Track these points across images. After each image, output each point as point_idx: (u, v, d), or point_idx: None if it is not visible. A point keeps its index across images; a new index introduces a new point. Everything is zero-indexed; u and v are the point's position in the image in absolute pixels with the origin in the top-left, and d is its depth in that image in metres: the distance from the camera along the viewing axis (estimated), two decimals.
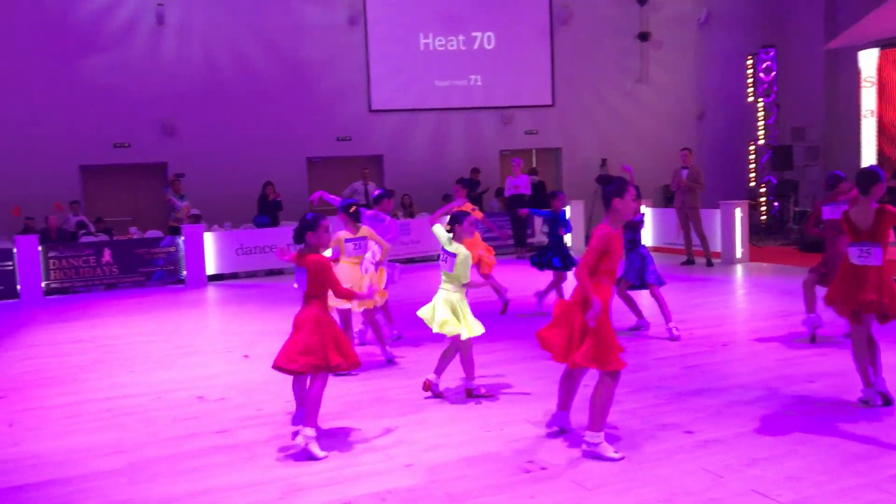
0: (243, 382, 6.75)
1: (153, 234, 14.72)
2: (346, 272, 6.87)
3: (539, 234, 16.92)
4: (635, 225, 8.09)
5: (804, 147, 19.12)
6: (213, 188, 16.32)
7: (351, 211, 7.05)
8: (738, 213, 13.83)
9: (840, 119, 19.02)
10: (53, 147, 15.80)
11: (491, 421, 5.38)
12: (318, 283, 5.01)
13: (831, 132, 19.28)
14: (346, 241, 7.05)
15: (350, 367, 5.03)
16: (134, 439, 5.33)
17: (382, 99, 18.18)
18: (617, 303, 7.99)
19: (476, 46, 18.78)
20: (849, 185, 6.79)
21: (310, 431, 4.82)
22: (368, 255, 7.36)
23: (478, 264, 9.20)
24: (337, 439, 5.13)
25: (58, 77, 15.90)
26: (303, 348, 4.86)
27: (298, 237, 5.09)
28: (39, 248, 13.10)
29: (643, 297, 8.44)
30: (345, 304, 6.82)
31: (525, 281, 12.49)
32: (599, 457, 4.52)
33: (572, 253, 9.59)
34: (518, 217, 16.03)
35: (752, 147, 19.48)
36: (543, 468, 4.49)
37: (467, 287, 5.95)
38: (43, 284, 13.08)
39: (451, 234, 5.91)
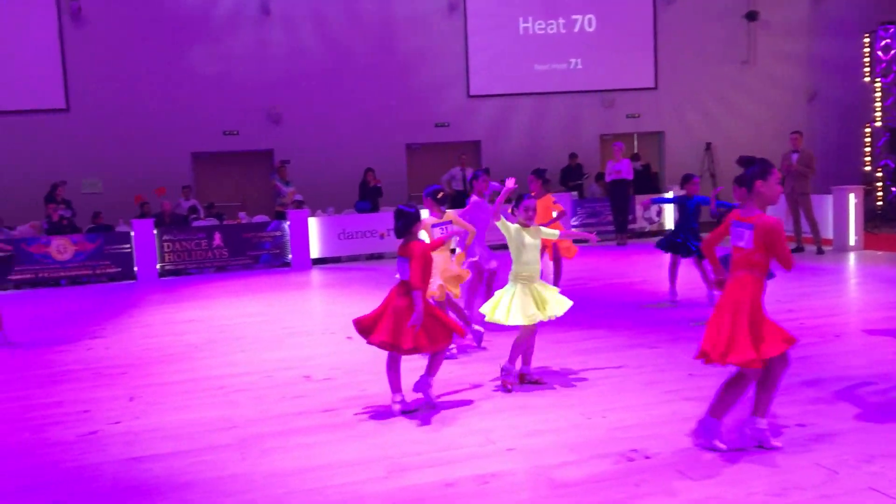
0: (347, 363, 6.92)
1: (260, 218, 15.23)
2: (435, 260, 6.94)
3: (640, 220, 16.61)
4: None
5: None
6: (317, 174, 16.73)
7: (438, 197, 7.12)
8: (852, 199, 13.19)
9: None
10: (167, 135, 16.52)
11: (593, 408, 5.34)
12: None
13: None
14: (433, 226, 7.10)
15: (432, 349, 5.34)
16: (245, 416, 5.55)
17: (481, 84, 18.17)
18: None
19: (576, 29, 18.51)
20: None
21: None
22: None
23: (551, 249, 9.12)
24: (437, 422, 5.21)
25: (171, 68, 16.59)
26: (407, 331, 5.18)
27: (402, 232, 5.34)
28: (154, 232, 13.76)
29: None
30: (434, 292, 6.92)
31: (624, 267, 12.32)
32: (764, 441, 4.39)
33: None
34: (619, 202, 15.78)
35: (867, 130, 18.48)
36: (647, 457, 4.44)
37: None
38: (158, 266, 13.75)
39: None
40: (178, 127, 16.64)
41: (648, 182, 17.52)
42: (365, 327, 5.42)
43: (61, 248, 13.43)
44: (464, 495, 4.04)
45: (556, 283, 9.27)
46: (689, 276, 9.42)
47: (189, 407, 5.83)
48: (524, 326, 5.75)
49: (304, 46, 17.26)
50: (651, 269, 12.07)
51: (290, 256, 14.40)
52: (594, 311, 8.76)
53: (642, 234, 16.71)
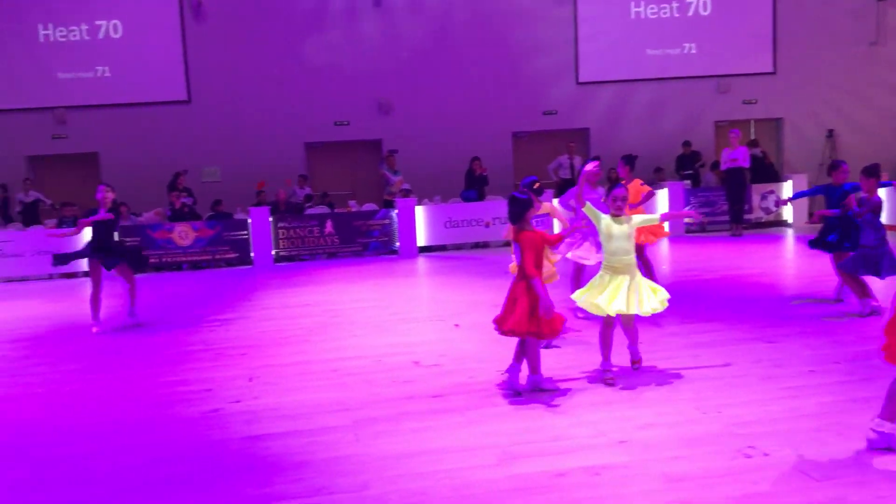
0: (455, 350, 6.98)
1: (369, 207, 15.53)
2: None
3: (757, 209, 16.00)
4: (877, 206, 7.31)
5: None
6: (424, 163, 16.91)
7: (535, 188, 7.09)
8: None
9: None
10: (282, 126, 17.06)
11: (707, 402, 5.20)
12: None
13: None
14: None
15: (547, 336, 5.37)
16: (358, 399, 5.68)
17: (591, 71, 17.90)
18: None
19: (690, 13, 17.96)
20: None
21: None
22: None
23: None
24: (546, 412, 5.19)
25: (286, 60, 17.10)
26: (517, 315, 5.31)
27: (515, 218, 5.36)
28: (270, 220, 14.24)
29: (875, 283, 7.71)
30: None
31: (740, 259, 11.91)
32: (889, 446, 4.21)
33: (795, 232, 8.71)
34: (734, 191, 15.25)
35: None
36: (766, 454, 4.29)
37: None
38: (273, 252, 14.23)
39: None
40: (292, 118, 17.15)
41: (765, 171, 16.83)
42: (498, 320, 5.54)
43: (183, 234, 14.08)
44: (575, 486, 4.02)
45: (647, 275, 9.05)
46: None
47: (304, 388, 6.02)
48: (604, 318, 5.69)
49: (413, 36, 17.43)
50: (768, 261, 11.63)
51: (397, 244, 14.62)
52: (708, 303, 8.51)
53: (759, 225, 16.10)
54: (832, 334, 6.90)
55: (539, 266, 5.39)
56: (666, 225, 9.08)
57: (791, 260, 12.47)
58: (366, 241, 14.65)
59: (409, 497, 3.98)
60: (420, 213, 14.78)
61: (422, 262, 13.66)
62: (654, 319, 6.68)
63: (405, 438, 4.82)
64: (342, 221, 14.61)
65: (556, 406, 5.28)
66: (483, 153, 16.35)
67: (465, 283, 10.95)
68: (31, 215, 15.43)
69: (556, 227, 7.29)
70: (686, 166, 16.99)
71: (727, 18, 17.88)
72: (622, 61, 17.86)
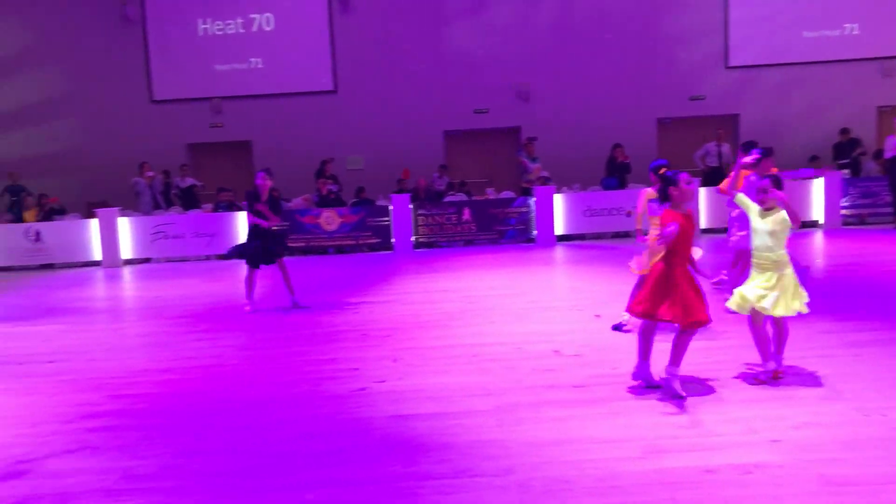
0: (597, 341, 6.90)
1: (507, 194, 15.56)
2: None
3: None
4: None
5: None
6: (563, 150, 16.76)
7: (660, 173, 6.96)
8: None
9: None
10: (423, 114, 17.35)
11: (870, 404, 4.90)
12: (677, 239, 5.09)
13: None
14: (650, 201, 7.07)
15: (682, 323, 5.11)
16: (500, 385, 5.72)
17: (742, 55, 17.16)
18: None
19: None
20: None
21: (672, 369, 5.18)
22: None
23: None
24: (693, 407, 5.04)
25: (427, 50, 17.37)
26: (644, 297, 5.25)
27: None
28: (410, 207, 14.53)
29: None
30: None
31: None
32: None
33: None
34: None
35: None
36: None
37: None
38: (412, 238, 14.52)
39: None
40: (433, 106, 17.41)
41: None
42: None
43: (329, 219, 14.61)
44: (725, 483, 3.89)
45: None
46: None
47: (447, 372, 6.12)
48: (750, 314, 5.44)
49: (553, 22, 17.28)
50: None
51: (534, 232, 14.58)
52: (867, 300, 8.01)
53: None
54: None
55: (684, 247, 5.23)
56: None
57: None
58: (503, 228, 14.69)
59: (553, 484, 3.98)
60: (558, 200, 14.67)
61: (559, 251, 13.56)
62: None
63: (547, 426, 4.82)
64: (479, 209, 14.72)
65: (704, 402, 5.12)
66: (625, 140, 16.02)
67: (604, 273, 10.79)
68: (189, 199, 16.43)
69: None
70: (844, 154, 15.99)
71: None
72: (776, 44, 17.02)
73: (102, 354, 7.38)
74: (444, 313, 8.44)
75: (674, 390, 5.18)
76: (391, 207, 14.58)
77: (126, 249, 14.59)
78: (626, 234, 14.70)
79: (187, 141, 18.03)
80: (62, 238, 14.66)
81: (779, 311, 5.33)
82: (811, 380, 5.47)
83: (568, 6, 17.24)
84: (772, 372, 5.46)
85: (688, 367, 5.50)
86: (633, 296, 7.28)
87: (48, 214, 15.47)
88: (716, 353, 6.24)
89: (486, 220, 14.66)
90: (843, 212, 14.58)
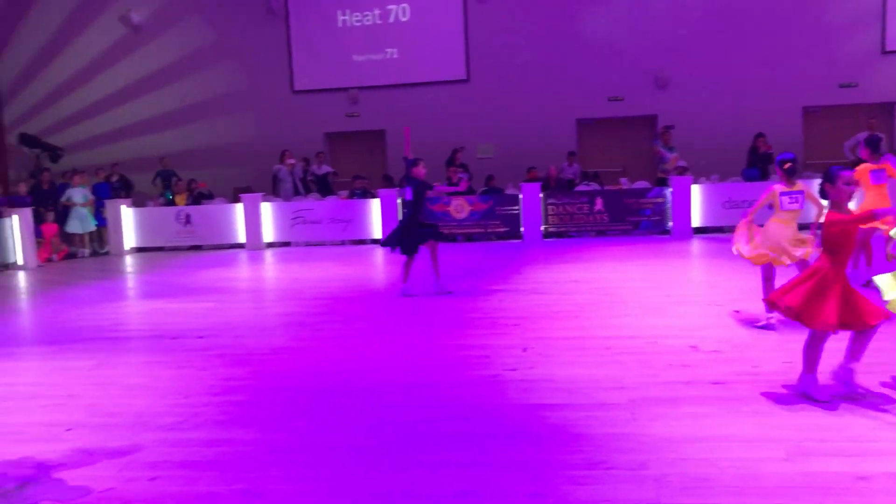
0: (735, 337, 6.66)
1: (641, 184, 15.21)
2: (776, 229, 6.80)
3: None
4: None
5: None
6: (702, 140, 16.21)
7: (786, 167, 6.72)
8: None
9: None
10: (555, 102, 17.22)
11: None
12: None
13: None
14: (781, 194, 6.79)
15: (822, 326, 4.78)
16: (633, 378, 5.62)
17: None
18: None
19: None
20: None
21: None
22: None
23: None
24: (843, 409, 4.78)
25: (561, 37, 17.19)
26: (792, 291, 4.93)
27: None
28: (540, 196, 14.46)
29: None
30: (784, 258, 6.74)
31: None
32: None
33: None
34: None
35: None
36: None
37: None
38: (542, 228, 14.45)
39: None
40: (566, 94, 17.23)
41: None
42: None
43: (459, 207, 14.75)
44: (879, 492, 3.67)
45: (866, 263, 8.16)
46: None
47: (578, 363, 6.07)
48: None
49: (693, 6, 16.69)
50: None
51: (670, 224, 14.19)
52: None
53: None
54: None
55: (843, 248, 4.93)
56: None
57: None
58: (637, 219, 14.38)
59: (691, 481, 3.87)
60: (696, 191, 14.21)
61: (696, 244, 13.14)
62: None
63: (684, 423, 4.70)
64: (612, 199, 14.46)
65: (855, 406, 4.85)
66: (769, 129, 15.31)
67: (744, 268, 10.35)
68: (324, 186, 16.98)
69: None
70: None
71: None
72: None
73: (247, 331, 7.77)
74: (574, 304, 8.37)
75: (815, 393, 4.92)
76: (521, 196, 14.55)
77: (268, 233, 15.27)
78: None
79: (325, 130, 18.64)
80: (210, 221, 15.50)
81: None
82: None
83: None
84: None
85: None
86: (765, 290, 6.98)
87: (197, 199, 16.38)
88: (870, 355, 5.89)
89: (620, 210, 14.38)
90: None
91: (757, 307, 7.49)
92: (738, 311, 7.64)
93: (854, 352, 5.02)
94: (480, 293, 9.25)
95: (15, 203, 14.80)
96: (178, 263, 13.61)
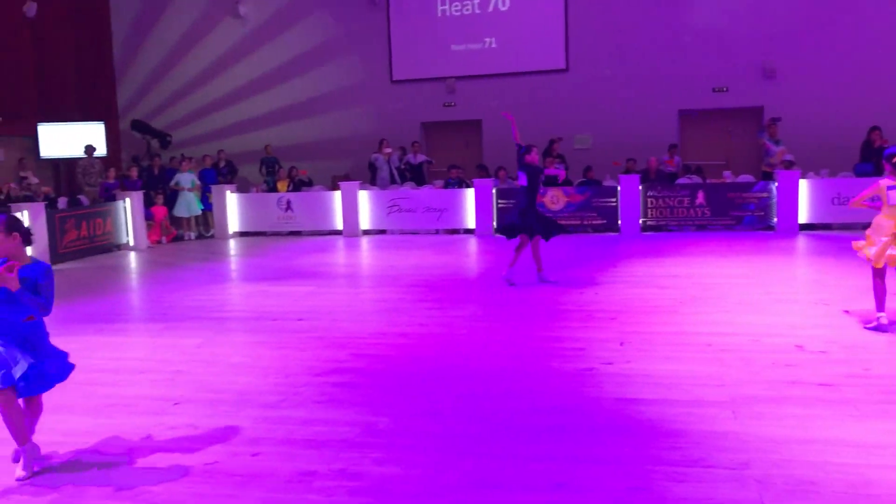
0: (845, 338, 6.37)
1: (745, 178, 14.71)
2: (883, 224, 6.51)
3: None
4: None
5: None
6: (811, 133, 15.53)
7: (894, 161, 6.40)
8: None
9: None
10: (656, 93, 16.81)
11: None
12: None
13: None
14: (889, 188, 6.47)
15: None
16: (734, 376, 5.46)
17: None
18: None
19: None
20: None
21: None
22: None
23: None
24: None
25: (664, 26, 16.76)
26: None
27: None
28: (639, 188, 14.17)
29: None
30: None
31: None
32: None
33: None
34: None
35: None
36: None
37: None
38: (640, 221, 14.16)
39: None
40: (667, 85, 16.81)
41: None
42: None
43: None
44: None
45: None
46: None
47: (677, 359, 5.93)
48: None
49: None
50: None
51: (774, 220, 13.67)
52: None
53: None
54: None
55: None
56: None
57: None
58: (740, 214, 13.91)
59: (797, 485, 3.74)
60: (803, 186, 13.63)
61: (802, 241, 12.62)
62: None
63: (789, 423, 4.54)
64: (715, 193, 14.03)
65: None
66: (884, 122, 14.51)
67: (853, 266, 9.88)
68: (419, 175, 17.10)
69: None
70: None
71: None
72: None
73: (344, 315, 7.93)
74: (672, 299, 8.18)
75: None
76: (619, 188, 14.30)
77: (364, 220, 15.52)
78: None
79: (421, 120, 18.77)
80: (309, 208, 15.87)
81: None
82: None
83: None
84: None
85: None
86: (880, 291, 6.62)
87: (297, 185, 16.79)
88: None
89: (722, 204, 13.94)
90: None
91: (867, 307, 7.14)
92: (847, 311, 7.31)
93: None
94: (576, 286, 9.15)
95: (127, 187, 15.53)
96: (278, 248, 14.00)
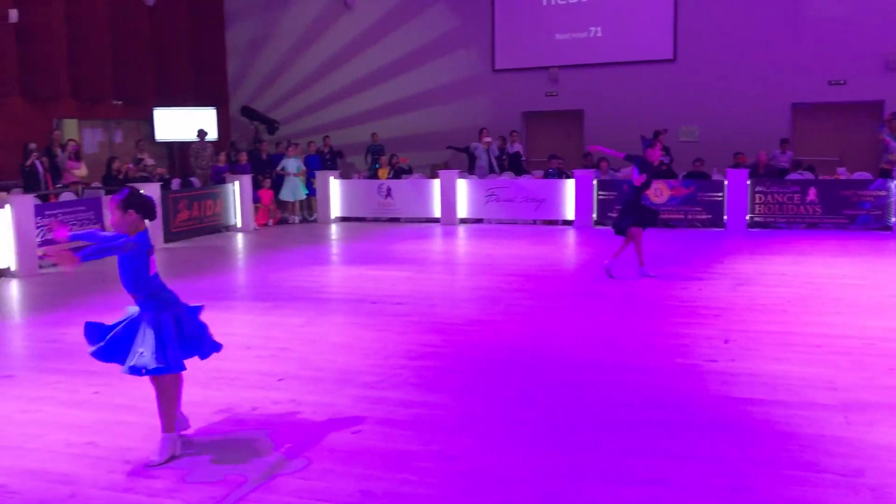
0: None
1: (861, 175, 14.00)
2: None
3: None
4: None
5: None
6: None
7: None
8: None
9: None
10: (767, 86, 16.23)
11: None
12: None
13: None
14: None
15: None
16: (847, 380, 5.22)
17: None
18: None
19: None
20: None
21: None
22: None
23: None
24: None
25: (778, 16, 16.15)
26: None
27: None
28: (748, 183, 13.69)
29: None
30: None
31: None
32: None
33: None
34: None
35: None
36: None
37: None
38: (747, 217, 13.69)
39: None
40: (780, 77, 16.18)
41: None
42: None
43: (658, 191, 14.28)
44: None
45: None
46: None
47: (785, 360, 5.72)
48: None
49: None
50: None
51: (892, 219, 12.97)
52: None
53: None
54: None
55: None
56: None
57: None
58: (854, 213, 13.26)
59: None
60: None
61: None
62: None
63: None
64: (828, 190, 13.41)
65: None
66: None
67: None
68: (515, 165, 17.00)
69: None
70: None
71: None
72: None
73: (441, 301, 7.99)
74: (781, 298, 7.88)
75: None
76: (726, 182, 13.84)
77: (462, 209, 15.57)
78: None
79: (522, 109, 18.67)
80: (408, 195, 16.04)
81: None
82: None
83: None
84: None
85: None
86: None
87: (398, 173, 16.99)
88: None
89: (835, 202, 13.32)
90: None
91: None
92: None
93: None
94: (679, 281, 8.93)
95: (236, 170, 16.07)
96: (377, 233, 14.21)
